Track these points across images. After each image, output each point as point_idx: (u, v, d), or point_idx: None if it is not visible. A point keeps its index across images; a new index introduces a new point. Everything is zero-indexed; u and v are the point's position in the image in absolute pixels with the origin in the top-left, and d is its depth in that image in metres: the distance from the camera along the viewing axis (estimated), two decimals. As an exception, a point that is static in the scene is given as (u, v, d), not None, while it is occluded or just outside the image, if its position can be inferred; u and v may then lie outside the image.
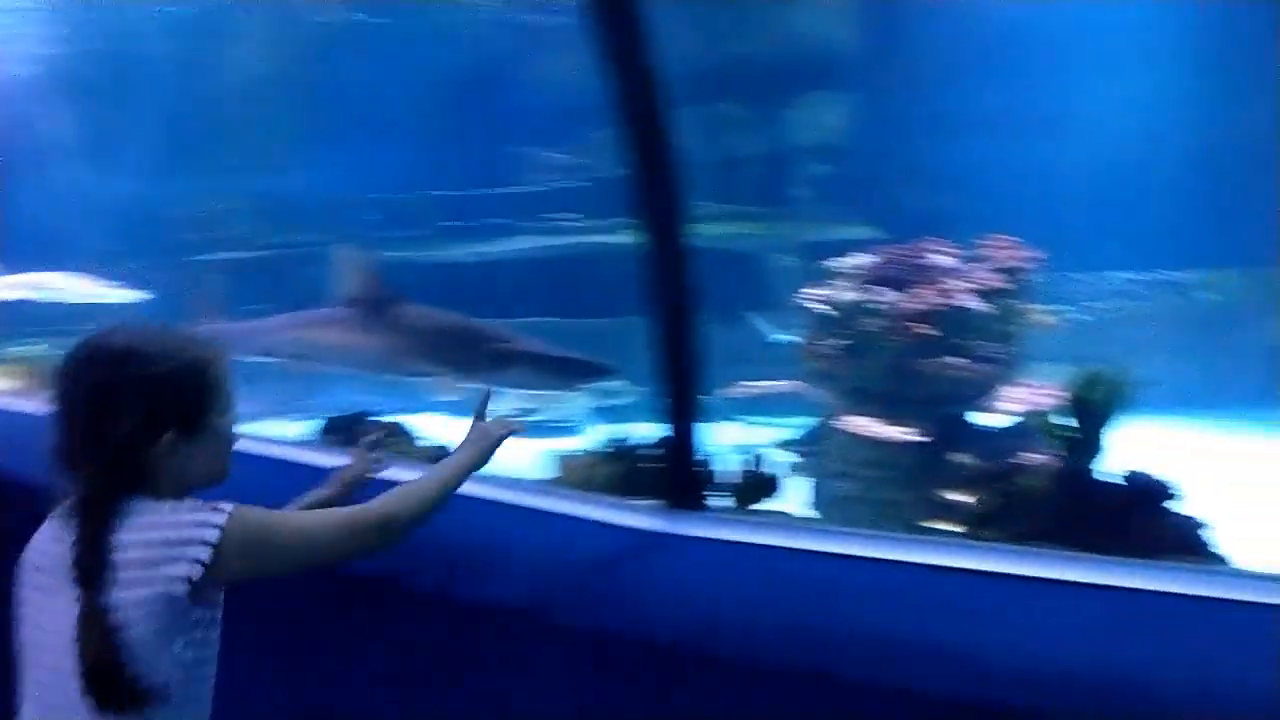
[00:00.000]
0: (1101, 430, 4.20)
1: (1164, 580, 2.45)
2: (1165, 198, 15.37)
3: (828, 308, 7.23)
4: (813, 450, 7.19)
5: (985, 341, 6.71)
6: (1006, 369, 6.75)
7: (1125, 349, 12.59)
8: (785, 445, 7.50)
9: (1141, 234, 14.83)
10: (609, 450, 4.54)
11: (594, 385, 7.97)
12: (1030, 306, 7.15)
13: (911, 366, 6.68)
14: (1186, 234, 14.75)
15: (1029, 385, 6.71)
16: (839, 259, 7.54)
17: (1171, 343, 12.98)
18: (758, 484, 4.16)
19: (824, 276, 7.54)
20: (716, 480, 3.74)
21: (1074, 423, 4.21)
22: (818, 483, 7.13)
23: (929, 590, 2.60)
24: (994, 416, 6.60)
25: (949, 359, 6.59)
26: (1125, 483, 4.09)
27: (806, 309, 7.41)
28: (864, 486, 6.70)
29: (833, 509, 6.99)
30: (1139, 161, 15.77)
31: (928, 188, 16.56)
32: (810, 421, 7.66)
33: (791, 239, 14.42)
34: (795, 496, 7.30)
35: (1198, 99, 15.58)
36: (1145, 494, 4.00)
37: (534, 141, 16.33)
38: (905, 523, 6.11)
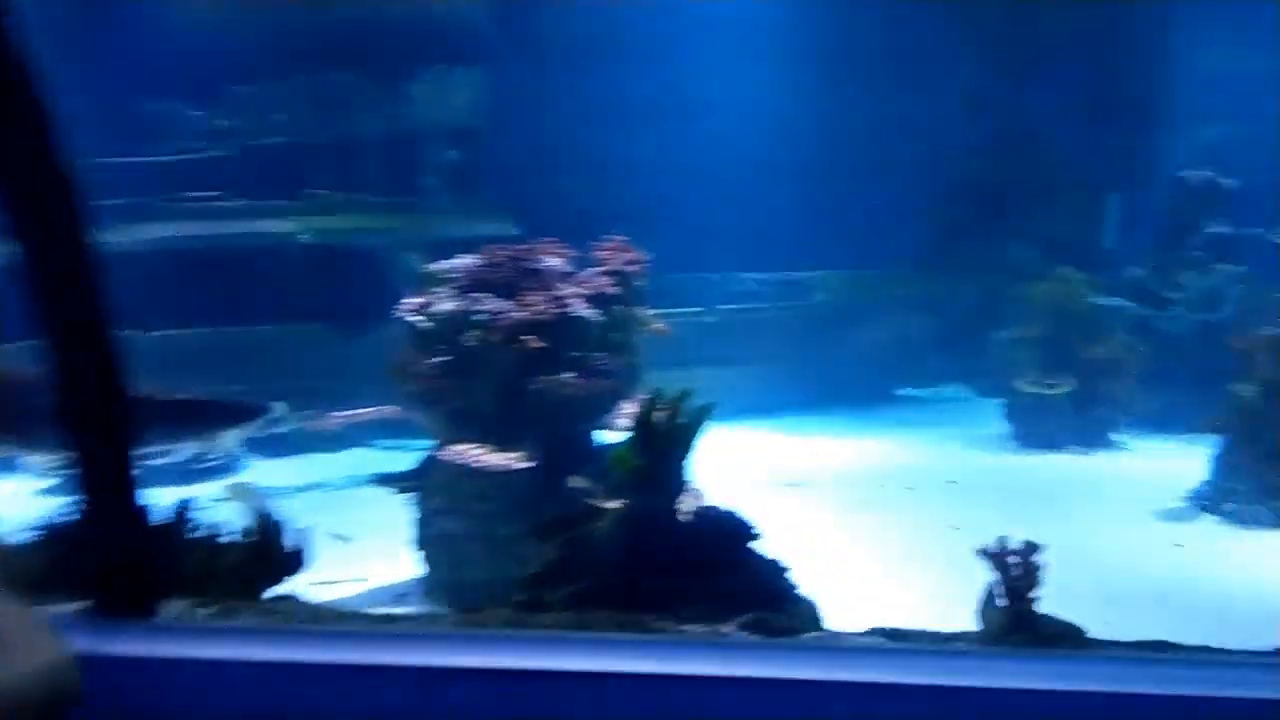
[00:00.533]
0: (674, 459, 3.63)
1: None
2: (791, 199, 16.39)
3: (424, 320, 6.23)
4: (417, 485, 6.17)
5: (600, 353, 6.09)
6: (625, 381, 6.18)
7: (746, 352, 13.21)
8: (385, 480, 6.42)
9: (768, 236, 15.56)
10: (40, 531, 3.13)
11: (243, 429, 6.02)
12: (645, 312, 6.67)
13: (522, 384, 5.88)
14: (808, 237, 15.74)
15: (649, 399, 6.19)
16: (440, 262, 6.55)
17: (791, 343, 13.47)
18: (262, 562, 3.05)
19: (424, 283, 6.53)
20: (200, 563, 2.59)
21: (643, 452, 3.59)
22: (422, 521, 6.15)
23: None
24: (617, 435, 6.00)
25: (563, 375, 5.88)
26: (700, 522, 3.57)
27: (405, 322, 6.36)
28: (473, 523, 5.83)
29: (440, 551, 6.05)
30: (765, 160, 16.67)
31: (567, 179, 16.16)
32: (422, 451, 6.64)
33: (421, 234, 13.09)
34: (393, 543, 6.39)
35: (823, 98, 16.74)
36: (721, 535, 3.50)
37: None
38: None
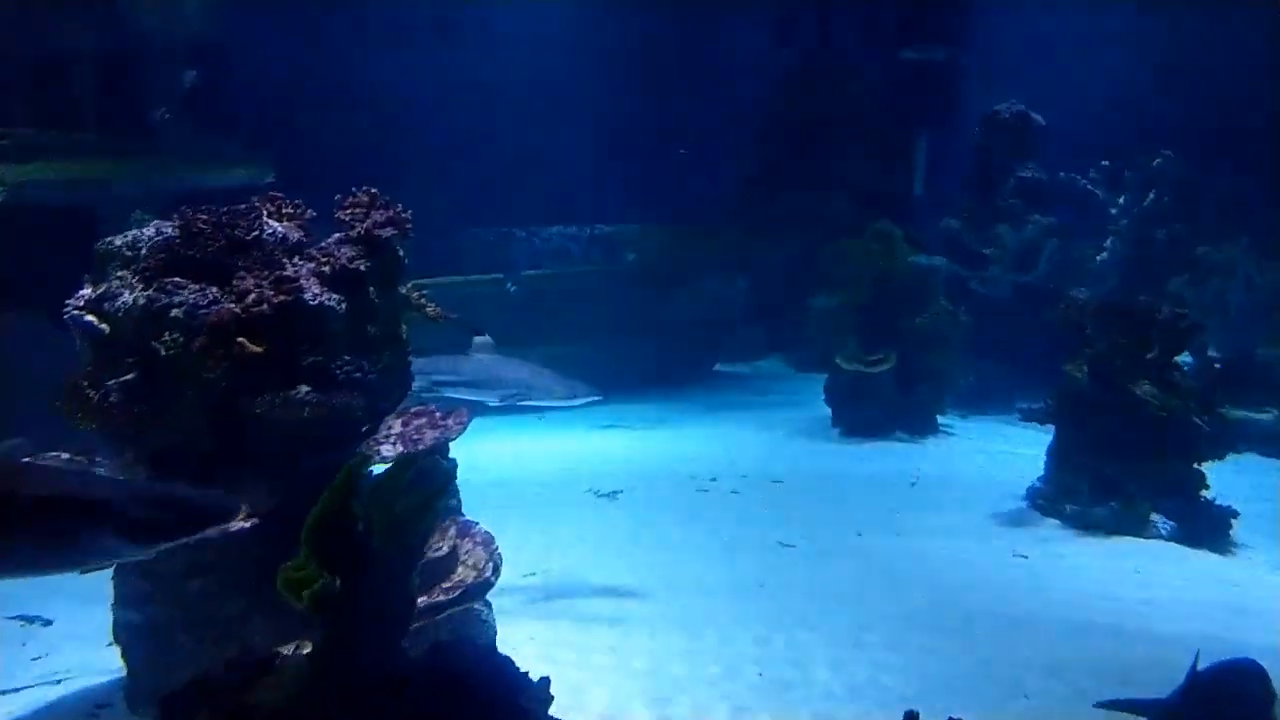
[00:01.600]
0: (390, 572, 2.28)
1: None
2: (598, 148, 15.02)
3: (98, 320, 4.43)
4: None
5: (349, 355, 4.52)
6: (385, 390, 4.66)
7: (552, 328, 11.76)
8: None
9: (576, 187, 14.18)
10: None
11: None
12: (411, 292, 5.16)
13: (241, 406, 4.24)
14: (617, 188, 14.44)
15: (423, 414, 4.73)
16: (117, 237, 4.73)
17: (602, 316, 12.12)
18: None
19: (100, 264, 4.69)
20: None
21: (331, 566, 2.23)
22: (122, 602, 4.44)
23: None
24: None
25: (295, 390, 4.28)
26: (436, 677, 2.26)
27: (76, 323, 4.52)
28: (184, 609, 4.22)
29: (145, 645, 4.38)
30: (569, 104, 15.19)
31: (338, 114, 14.03)
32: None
33: (152, 185, 10.62)
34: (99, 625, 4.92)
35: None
36: (469, 698, 2.21)
37: None
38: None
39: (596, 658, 5.02)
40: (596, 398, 6.67)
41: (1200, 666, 4.02)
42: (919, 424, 10.02)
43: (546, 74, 14.89)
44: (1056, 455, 7.71)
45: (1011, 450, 9.23)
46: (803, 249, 13.25)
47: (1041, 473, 7.81)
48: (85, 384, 4.39)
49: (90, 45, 10.96)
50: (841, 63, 15.46)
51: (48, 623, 5.41)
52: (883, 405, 9.91)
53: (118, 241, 4.68)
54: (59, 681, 4.79)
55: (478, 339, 6.58)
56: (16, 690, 4.71)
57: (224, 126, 11.80)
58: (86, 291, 4.56)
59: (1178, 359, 7.70)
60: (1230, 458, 7.65)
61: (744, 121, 15.84)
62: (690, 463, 9.11)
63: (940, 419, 10.32)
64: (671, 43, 16.55)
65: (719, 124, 16.01)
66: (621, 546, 6.86)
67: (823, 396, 10.36)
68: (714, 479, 8.51)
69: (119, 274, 4.57)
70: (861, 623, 5.51)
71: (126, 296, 4.42)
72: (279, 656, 2.30)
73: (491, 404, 6.38)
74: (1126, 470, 7.26)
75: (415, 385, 6.27)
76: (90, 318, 4.45)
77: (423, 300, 5.36)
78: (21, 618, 5.46)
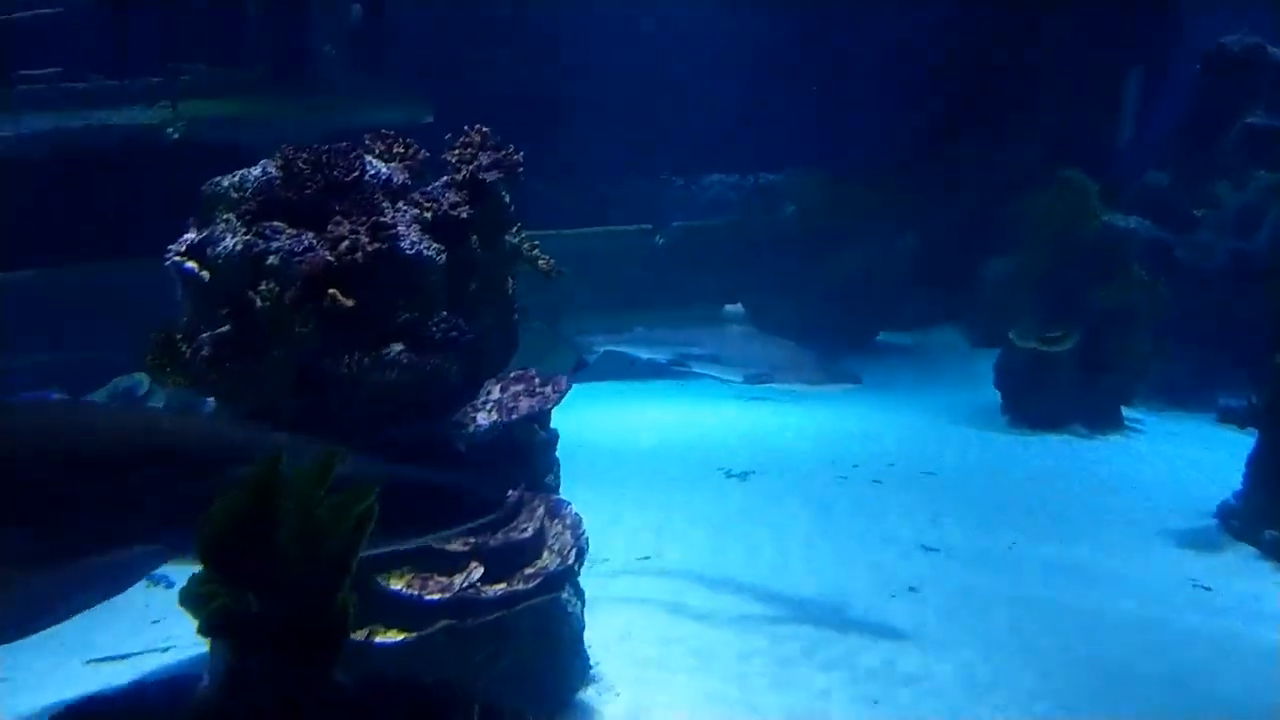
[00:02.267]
0: (316, 593, 1.84)
1: None
2: (762, 89, 14.13)
3: (199, 269, 4.27)
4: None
5: (446, 311, 4.18)
6: (487, 355, 4.30)
7: (700, 285, 11.07)
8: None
9: (737, 133, 13.41)
10: None
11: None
12: (523, 242, 4.75)
13: (329, 367, 3.98)
14: (780, 133, 13.53)
15: (522, 379, 4.35)
16: (225, 178, 4.54)
17: (756, 272, 11.37)
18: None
19: (205, 207, 4.53)
20: None
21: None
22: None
23: None
24: (469, 434, 4.16)
25: (387, 349, 3.97)
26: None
27: (177, 270, 4.38)
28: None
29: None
30: (730, 42, 14.36)
31: (496, 51, 13.82)
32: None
33: (316, 123, 10.74)
34: None
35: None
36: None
37: None
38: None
39: (680, 658, 4.60)
40: (851, 384, 5.92)
41: None
42: (1101, 417, 8.79)
43: (708, 12, 14.11)
44: (1258, 467, 6.43)
45: (1207, 457, 7.95)
46: (982, 203, 11.99)
47: (1239, 487, 6.59)
48: (178, 337, 4.24)
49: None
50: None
51: (170, 585, 5.46)
52: (1060, 392, 8.77)
53: (225, 182, 4.49)
54: (166, 649, 4.80)
55: (728, 308, 6.08)
56: (125, 656, 4.72)
57: (387, 64, 11.80)
58: (190, 235, 4.40)
59: None
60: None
61: (921, 57, 14.43)
62: (835, 445, 8.44)
63: (1127, 412, 9.03)
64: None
65: (893, 60, 14.68)
66: (739, 536, 6.35)
67: (992, 378, 9.33)
68: (856, 465, 7.81)
69: (224, 217, 4.38)
70: (995, 667, 4.71)
71: (228, 241, 4.22)
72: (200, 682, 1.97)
73: (737, 382, 5.87)
74: None
75: (658, 358, 6.11)
76: (191, 264, 4.28)
77: (535, 252, 4.95)
78: (150, 578, 5.55)
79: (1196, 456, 8.06)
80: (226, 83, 10.63)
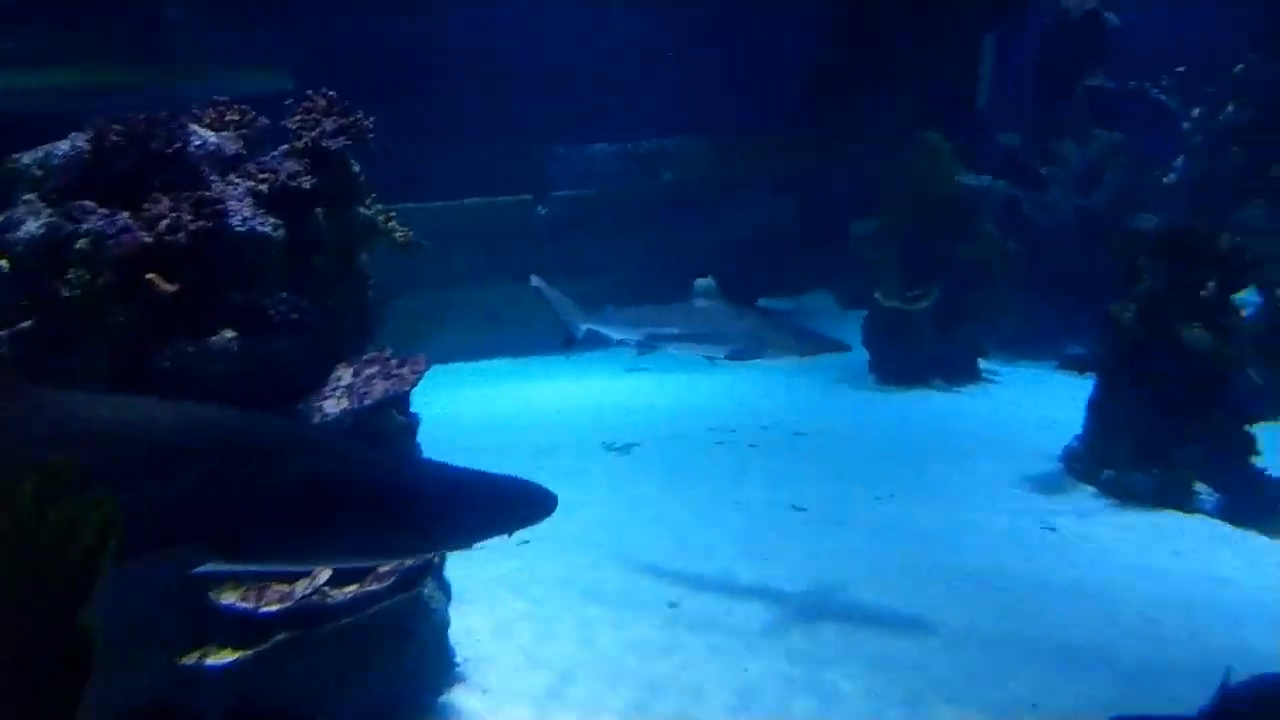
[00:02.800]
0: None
1: None
2: (639, 47, 13.85)
3: (-4, 254, 3.83)
4: None
5: (288, 292, 3.88)
6: (338, 336, 4.03)
7: (584, 255, 10.85)
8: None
9: (615, 97, 13.09)
10: None
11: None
12: (377, 214, 4.47)
13: (152, 360, 3.64)
14: (659, 96, 13.31)
15: (376, 361, 4.09)
16: (26, 154, 4.10)
17: (640, 241, 11.23)
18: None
19: (4, 188, 4.07)
20: None
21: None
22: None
23: None
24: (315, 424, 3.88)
25: (217, 336, 3.66)
26: None
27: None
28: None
29: None
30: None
31: (364, 13, 13.06)
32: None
33: (171, 92, 9.89)
34: None
35: None
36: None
37: None
38: None
39: (558, 644, 4.53)
40: (838, 349, 5.72)
41: (1235, 679, 3.37)
42: (959, 370, 9.16)
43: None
44: (1096, 412, 6.81)
45: (1055, 403, 8.37)
46: (856, 164, 12.18)
47: (1080, 432, 6.95)
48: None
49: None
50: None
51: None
52: (922, 348, 9.07)
53: (26, 159, 4.06)
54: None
55: (700, 281, 5.75)
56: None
57: (243, 27, 10.98)
58: (-11, 220, 3.94)
59: (1239, 299, 6.73)
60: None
61: (798, 21, 14.45)
62: (712, 412, 8.49)
63: (983, 364, 9.43)
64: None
65: (767, 25, 14.65)
66: (623, 509, 6.31)
67: (860, 337, 9.55)
68: (733, 430, 7.85)
69: (25, 198, 3.94)
70: (861, 607, 4.90)
71: (30, 225, 3.80)
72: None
73: (719, 359, 5.60)
74: (1170, 431, 6.34)
75: (630, 338, 5.77)
76: (-11, 250, 3.84)
77: (392, 224, 4.67)
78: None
79: (1045, 403, 8.48)
80: (61, 49, 9.72)
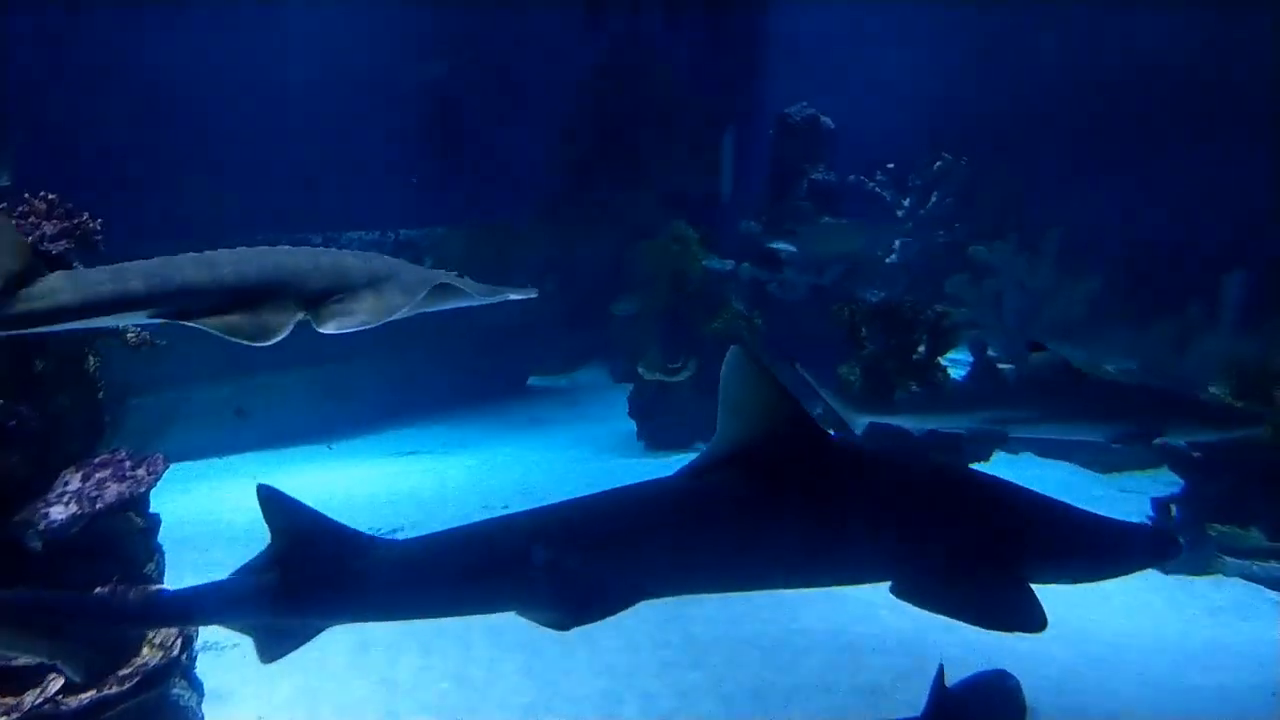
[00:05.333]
0: None
1: None
2: (399, 148, 14.16)
3: None
4: None
5: (6, 400, 3.77)
6: (59, 445, 3.93)
7: (353, 341, 10.80)
8: None
9: (375, 191, 13.27)
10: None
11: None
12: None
13: None
14: (420, 190, 13.63)
15: (110, 464, 4.01)
16: None
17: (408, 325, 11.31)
18: None
19: None
20: None
21: None
22: None
23: None
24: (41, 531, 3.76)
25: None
26: None
27: None
28: None
29: None
30: (362, 108, 14.22)
31: (91, 101, 12.54)
32: None
33: None
34: None
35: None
36: None
37: None
38: None
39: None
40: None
41: (951, 680, 3.90)
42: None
43: (344, 69, 13.97)
44: None
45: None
46: (612, 250, 12.94)
47: None
48: None
49: None
50: (650, 57, 15.22)
51: None
52: (684, 416, 9.73)
53: None
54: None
55: (1035, 355, 5.26)
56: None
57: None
58: None
59: (947, 359, 7.84)
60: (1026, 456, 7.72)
61: (551, 117, 15.39)
62: (484, 489, 8.62)
63: (740, 429, 10.28)
64: (475, 34, 15.93)
65: (526, 120, 15.51)
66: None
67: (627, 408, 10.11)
68: (505, 506, 8.05)
69: None
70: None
71: None
72: None
73: (1101, 443, 5.23)
74: None
75: (963, 426, 5.32)
76: None
77: (124, 327, 4.60)
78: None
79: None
80: None
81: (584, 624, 2.62)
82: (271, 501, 2.80)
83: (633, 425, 10.11)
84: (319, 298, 3.31)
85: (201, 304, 3.12)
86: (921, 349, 7.64)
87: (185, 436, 7.99)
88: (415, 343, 11.10)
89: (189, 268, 3.17)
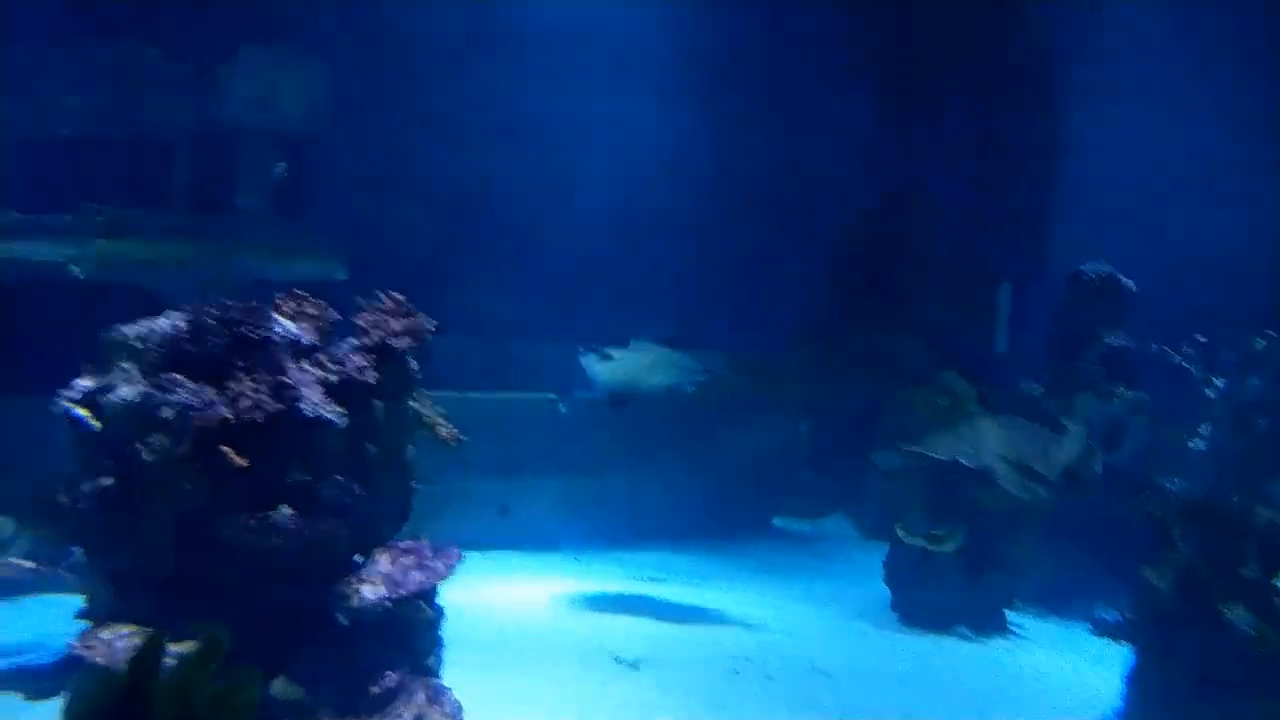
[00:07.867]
0: None
1: None
2: (670, 260, 14.70)
3: (90, 417, 4.15)
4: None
5: (343, 475, 4.13)
6: (376, 521, 4.23)
7: (600, 457, 11.33)
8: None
9: (646, 303, 13.73)
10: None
11: None
12: (426, 408, 4.78)
13: (212, 527, 3.85)
14: (686, 304, 13.95)
15: (414, 550, 4.26)
16: (129, 326, 4.49)
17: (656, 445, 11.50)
18: None
19: (106, 354, 4.44)
20: None
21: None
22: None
23: None
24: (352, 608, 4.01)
25: (276, 512, 3.88)
26: None
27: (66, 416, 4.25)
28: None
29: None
30: (654, 211, 14.97)
31: (418, 210, 14.07)
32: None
33: (230, 272, 10.68)
34: None
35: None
36: None
37: None
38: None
39: None
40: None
41: None
42: (985, 619, 8.91)
43: (632, 185, 14.73)
44: (1136, 685, 6.36)
45: (1086, 669, 8.09)
46: (872, 395, 12.54)
47: (1119, 704, 6.51)
48: (60, 488, 4.07)
49: (186, 128, 11.28)
50: (926, 200, 14.95)
51: None
52: (947, 592, 8.90)
53: (129, 331, 4.45)
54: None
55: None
56: None
57: (307, 219, 11.92)
58: (85, 382, 4.31)
59: (1284, 579, 6.72)
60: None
61: (819, 253, 15.38)
62: (729, 634, 8.31)
63: (1010, 615, 9.24)
64: (760, 161, 16.27)
65: (793, 252, 15.57)
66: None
67: (882, 572, 9.45)
68: (749, 659, 7.71)
69: (123, 365, 4.32)
70: None
71: (124, 391, 4.15)
72: None
73: None
74: (1222, 714, 6.12)
75: None
76: (82, 411, 4.17)
77: (436, 420, 4.98)
78: None
79: (1075, 668, 8.19)
80: (141, 224, 10.60)
81: None
82: None
83: (886, 592, 9.40)
84: None
85: None
86: (1250, 565, 6.60)
87: (456, 525, 8.42)
88: (665, 463, 11.24)
89: None
